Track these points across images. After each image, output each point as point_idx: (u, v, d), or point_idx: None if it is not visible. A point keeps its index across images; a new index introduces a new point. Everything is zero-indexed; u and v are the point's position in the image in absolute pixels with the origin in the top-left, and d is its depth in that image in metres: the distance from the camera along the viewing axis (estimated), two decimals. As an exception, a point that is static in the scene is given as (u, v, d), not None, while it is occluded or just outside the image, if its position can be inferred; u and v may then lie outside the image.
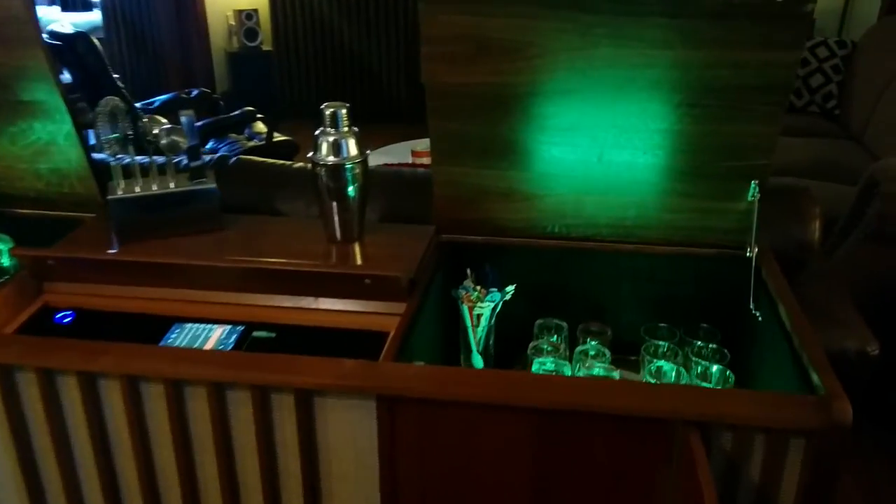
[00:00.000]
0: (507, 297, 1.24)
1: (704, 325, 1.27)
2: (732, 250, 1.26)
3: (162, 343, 1.13)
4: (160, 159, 1.29)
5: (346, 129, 1.23)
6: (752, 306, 1.18)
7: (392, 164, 3.06)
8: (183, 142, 1.26)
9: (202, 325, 1.17)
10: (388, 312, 1.17)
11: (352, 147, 1.23)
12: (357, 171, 1.23)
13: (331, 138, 1.22)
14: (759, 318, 1.16)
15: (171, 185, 1.29)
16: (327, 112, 1.22)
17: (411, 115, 5.08)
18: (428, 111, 1.19)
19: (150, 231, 1.28)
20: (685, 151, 1.19)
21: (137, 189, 1.27)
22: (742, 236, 1.25)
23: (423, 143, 3.28)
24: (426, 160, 3.16)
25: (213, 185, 1.30)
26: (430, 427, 0.98)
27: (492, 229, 1.31)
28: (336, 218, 1.26)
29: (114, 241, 1.27)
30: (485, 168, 1.25)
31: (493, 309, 1.23)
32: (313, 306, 1.19)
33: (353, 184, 1.24)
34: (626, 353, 1.28)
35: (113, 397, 1.04)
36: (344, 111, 1.22)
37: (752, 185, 1.20)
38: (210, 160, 1.54)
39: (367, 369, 0.98)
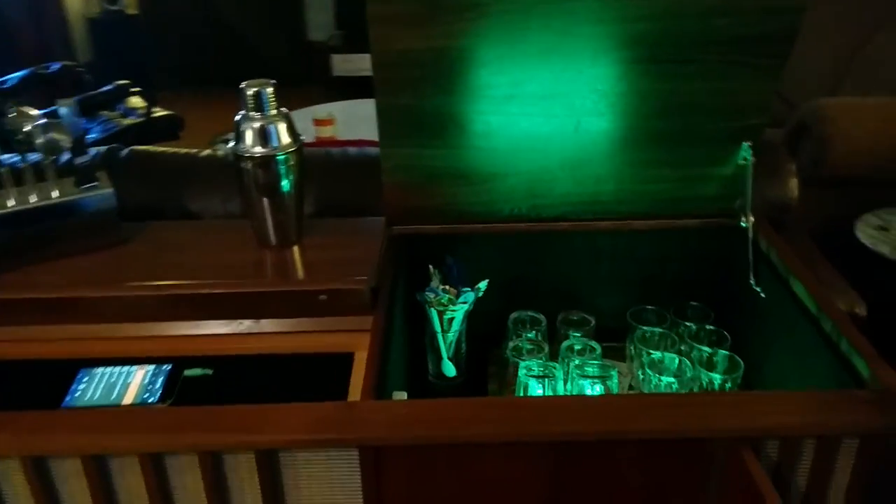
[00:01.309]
0: (480, 294, 1.07)
1: (694, 303, 1.15)
2: (719, 219, 1.14)
3: (69, 398, 0.90)
4: (32, 157, 1.03)
5: (273, 111, 1.01)
6: (752, 282, 1.06)
7: (311, 143, 2.80)
8: (65, 139, 1.02)
9: (117, 369, 0.94)
10: (349, 329, 0.97)
11: (283, 133, 1.01)
12: (292, 161, 1.02)
13: (256, 124, 1.00)
14: (763, 296, 1.05)
15: (55, 193, 1.03)
16: (249, 92, 1.00)
17: (294, 77, 4.76)
18: (375, 85, 0.99)
19: (33, 254, 1.03)
20: (673, 114, 1.04)
21: (11, 202, 1.02)
22: (728, 203, 1.13)
23: (322, 110, 3.03)
24: (330, 130, 2.92)
25: (109, 189, 1.06)
26: (425, 475, 0.81)
27: (451, 216, 1.14)
28: (270, 219, 1.05)
29: (-12, 271, 1.01)
30: (441, 148, 1.06)
31: (466, 311, 1.06)
32: (255, 331, 0.99)
33: (288, 177, 1.03)
34: (608, 339, 1.14)
35: (15, 479, 0.81)
36: (269, 90, 1.00)
37: (744, 147, 1.07)
38: (96, 155, 1.28)
39: (344, 414, 0.79)
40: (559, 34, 0.96)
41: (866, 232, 2.00)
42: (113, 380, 0.93)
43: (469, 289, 1.05)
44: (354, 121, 2.95)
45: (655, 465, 0.80)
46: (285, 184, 1.03)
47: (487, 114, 1.03)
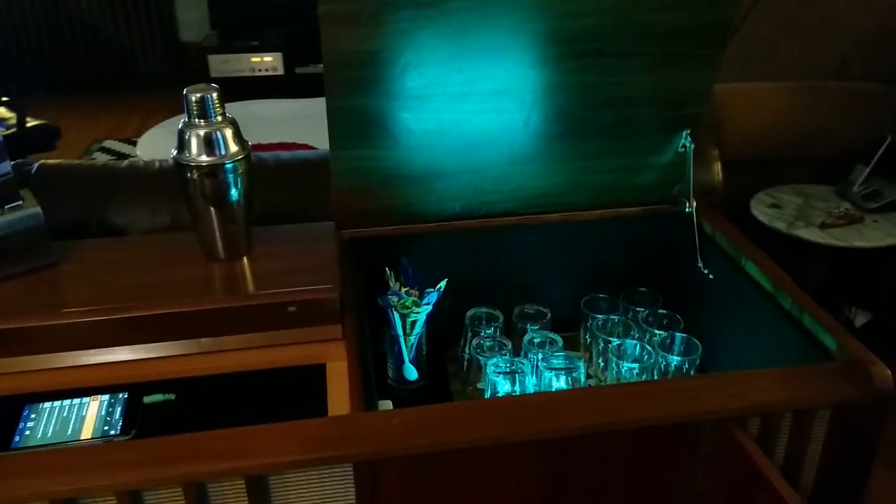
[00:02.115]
0: (440, 294, 1.06)
1: (643, 289, 1.18)
2: (661, 206, 1.18)
3: (18, 439, 0.82)
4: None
5: (219, 118, 0.96)
6: (700, 265, 1.10)
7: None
8: (-15, 156, 0.92)
9: (67, 402, 0.87)
10: (316, 340, 0.94)
11: (230, 140, 0.96)
12: (241, 169, 0.97)
13: (201, 132, 0.95)
14: (711, 277, 1.09)
15: (-25, 216, 0.94)
16: (193, 98, 0.94)
17: (168, 79, 4.56)
18: (326, 87, 0.96)
19: (-45, 283, 0.93)
20: (617, 106, 1.06)
21: (-76, 228, 0.92)
22: (668, 190, 1.17)
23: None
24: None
25: (36, 208, 0.97)
26: (418, 484, 0.79)
27: (401, 217, 1.12)
28: (218, 230, 1.00)
29: None
30: (393, 149, 1.04)
31: (429, 312, 1.05)
32: (215, 349, 0.93)
33: (237, 186, 0.98)
34: (560, 329, 1.15)
35: (-32, 535, 0.73)
36: (214, 95, 0.95)
37: (683, 135, 1.10)
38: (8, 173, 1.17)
39: (337, 430, 0.76)
40: (510, 31, 0.96)
41: (761, 210, 2.12)
42: (65, 414, 0.85)
43: (432, 289, 1.03)
44: (251, 123, 2.85)
45: (645, 452, 0.82)
46: (234, 193, 0.98)
47: (440, 112, 1.01)
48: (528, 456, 0.79)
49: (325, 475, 0.77)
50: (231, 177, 0.97)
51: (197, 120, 0.95)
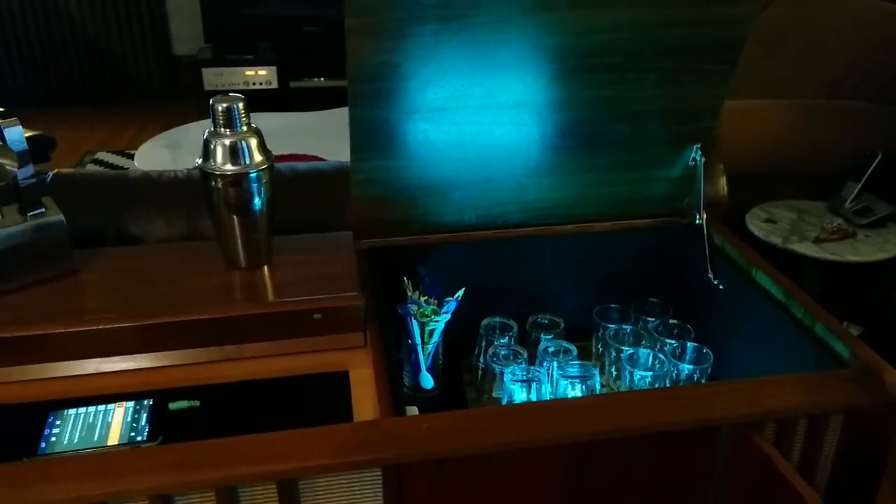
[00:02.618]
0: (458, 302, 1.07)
1: (653, 299, 1.20)
2: (671, 218, 1.20)
3: (44, 445, 0.83)
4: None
5: (244, 128, 0.97)
6: (710, 275, 1.12)
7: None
8: (12, 163, 0.93)
9: (92, 408, 0.87)
10: (338, 347, 0.95)
11: (255, 150, 0.98)
12: (264, 179, 0.99)
13: (227, 141, 0.96)
14: (721, 288, 1.11)
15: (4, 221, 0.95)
16: (219, 108, 0.95)
17: (162, 92, 4.57)
18: (349, 98, 0.97)
19: (-21, 289, 0.94)
20: (630, 119, 1.09)
21: (-49, 234, 0.92)
22: (678, 202, 1.19)
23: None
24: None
25: (59, 216, 0.98)
26: (445, 488, 0.80)
27: (419, 227, 1.13)
28: (240, 239, 1.01)
29: (-73, 312, 0.91)
30: (411, 160, 1.06)
31: (447, 321, 1.06)
32: (238, 356, 0.94)
33: (260, 196, 0.99)
34: (572, 339, 1.17)
35: (0, 539, 0.73)
36: (241, 105, 0.96)
37: (694, 149, 1.13)
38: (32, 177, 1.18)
39: (368, 435, 0.77)
40: (530, 46, 0.98)
41: (757, 224, 2.16)
42: (91, 421, 0.86)
43: (450, 298, 1.05)
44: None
45: (665, 456, 0.84)
46: (257, 202, 0.99)
47: (461, 124, 1.03)
48: (552, 460, 0.81)
49: (355, 479, 0.78)
50: (255, 186, 0.98)
51: (223, 129, 0.96)
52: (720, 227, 1.16)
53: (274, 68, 4.30)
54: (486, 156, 1.08)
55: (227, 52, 4.35)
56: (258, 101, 4.17)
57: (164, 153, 2.90)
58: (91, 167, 3.71)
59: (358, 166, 1.04)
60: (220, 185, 0.97)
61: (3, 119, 0.92)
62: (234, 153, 0.96)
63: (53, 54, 4.46)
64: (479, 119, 1.03)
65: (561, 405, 0.86)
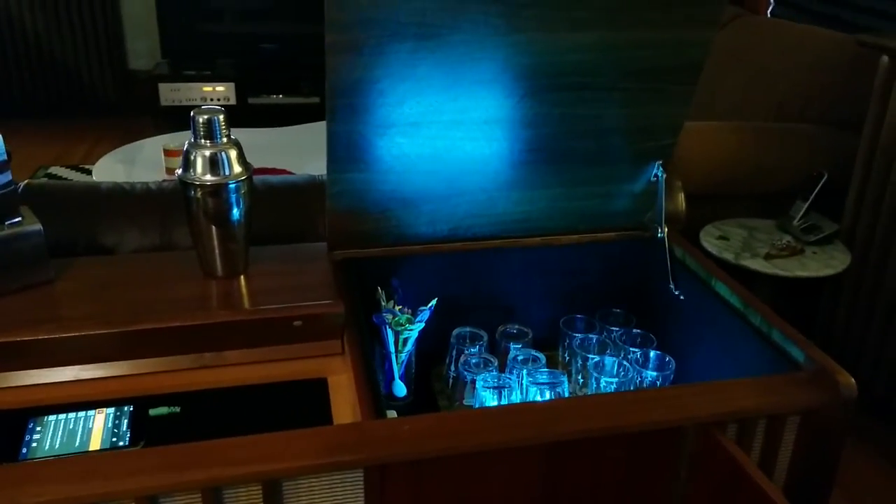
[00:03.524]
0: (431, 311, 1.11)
1: (617, 310, 1.24)
2: (633, 231, 1.25)
3: (25, 451, 0.83)
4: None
5: (224, 139, 0.99)
6: (672, 286, 1.17)
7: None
8: (-9, 172, 0.93)
9: (72, 415, 0.88)
10: (316, 355, 0.98)
11: (234, 161, 1.00)
12: (243, 190, 1.01)
13: (207, 152, 0.98)
14: (682, 298, 1.16)
15: (-24, 231, 0.95)
16: (200, 119, 0.97)
17: (117, 106, 4.52)
18: (327, 112, 1.00)
19: (-46, 297, 0.94)
20: (596, 136, 1.13)
21: (-75, 242, 0.92)
22: (638, 217, 1.25)
23: (174, 140, 2.90)
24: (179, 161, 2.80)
25: (37, 225, 0.99)
26: (425, 488, 0.83)
27: (391, 239, 1.16)
28: (217, 249, 1.03)
29: None
30: (386, 173, 1.09)
31: (420, 330, 1.09)
32: (217, 363, 0.96)
33: (238, 206, 1.01)
34: (539, 348, 1.21)
35: (-18, 544, 0.73)
36: (221, 118, 0.98)
37: (656, 165, 1.18)
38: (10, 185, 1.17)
39: (351, 436, 0.80)
40: (503, 64, 1.02)
41: (710, 241, 2.24)
42: (71, 426, 0.86)
43: (424, 307, 1.08)
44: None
45: (635, 456, 0.87)
46: (236, 212, 1.01)
47: (435, 138, 1.07)
48: (529, 460, 0.84)
49: (337, 480, 0.80)
50: (234, 196, 1.00)
51: (203, 140, 0.98)
52: (680, 241, 1.21)
53: (232, 84, 4.29)
54: (458, 170, 1.11)
55: (184, 67, 4.33)
56: (216, 117, 4.16)
57: (121, 168, 2.87)
58: (45, 181, 3.65)
59: (334, 178, 1.07)
60: (199, 195, 0.99)
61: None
62: (213, 164, 0.98)
63: (6, 66, 4.39)
64: (452, 134, 1.07)
65: (537, 407, 0.90)
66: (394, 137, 1.05)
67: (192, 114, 0.97)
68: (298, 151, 2.79)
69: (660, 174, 1.19)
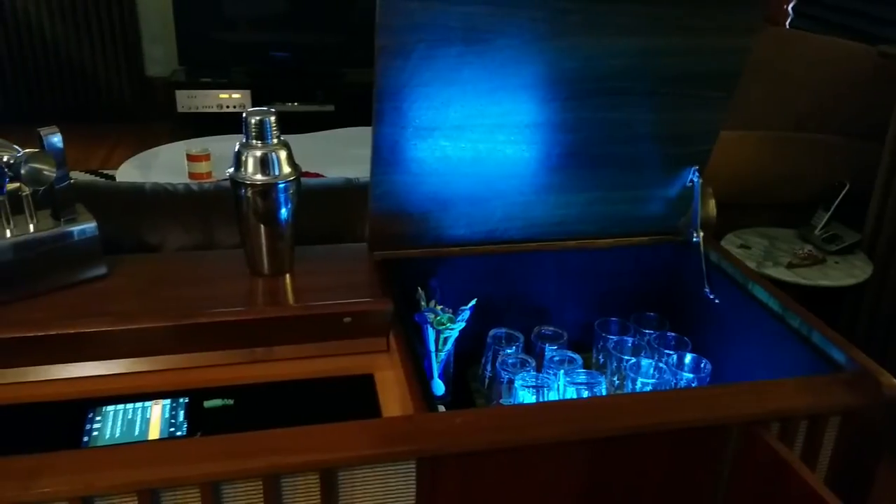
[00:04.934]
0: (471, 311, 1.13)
1: (650, 313, 1.26)
2: (666, 236, 1.27)
3: (86, 439, 0.85)
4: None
5: (275, 140, 1.02)
6: (707, 290, 1.19)
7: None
8: (50, 170, 0.96)
9: (130, 405, 0.90)
10: (362, 351, 1.00)
11: (283, 162, 1.02)
12: (291, 190, 1.03)
13: (258, 152, 1.00)
14: (717, 302, 1.18)
15: (40, 225, 0.98)
16: (252, 121, 1.00)
17: (134, 112, 4.57)
18: (374, 115, 1.02)
19: (12, 291, 0.96)
20: (632, 142, 1.16)
21: (7, 233, 0.95)
22: (672, 222, 1.27)
23: (195, 145, 2.94)
24: (205, 166, 2.83)
25: (93, 222, 1.01)
26: (474, 480, 0.85)
27: (430, 240, 1.18)
28: (265, 247, 1.05)
29: (-38, 312, 0.93)
30: (429, 175, 1.11)
31: (461, 329, 1.11)
32: (269, 358, 0.98)
33: (287, 206, 1.04)
34: (573, 350, 1.22)
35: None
36: (272, 119, 1.01)
37: (692, 171, 1.21)
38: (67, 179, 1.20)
39: (405, 428, 0.82)
40: (547, 68, 1.04)
41: (731, 250, 2.25)
42: (129, 417, 0.89)
43: (465, 307, 1.10)
44: (231, 156, 2.88)
45: (678, 454, 0.89)
46: (284, 212, 1.04)
47: (477, 142, 1.09)
48: (575, 454, 0.86)
49: (390, 471, 0.82)
50: (283, 196, 1.02)
51: (254, 141, 1.00)
52: (716, 245, 1.23)
53: (248, 92, 4.33)
54: (498, 173, 1.14)
55: (200, 74, 4.37)
56: (231, 124, 4.20)
57: (144, 172, 2.91)
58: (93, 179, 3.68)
59: (378, 180, 1.09)
60: (249, 194, 1.01)
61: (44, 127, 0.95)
62: (264, 164, 1.01)
63: (26, 72, 4.44)
64: (494, 137, 1.09)
65: (584, 404, 0.92)
66: (437, 140, 1.07)
67: (244, 115, 1.00)
68: (314, 159, 2.82)
69: (696, 179, 1.21)
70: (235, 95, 4.35)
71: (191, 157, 2.83)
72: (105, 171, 3.75)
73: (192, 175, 2.83)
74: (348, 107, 4.22)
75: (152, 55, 4.71)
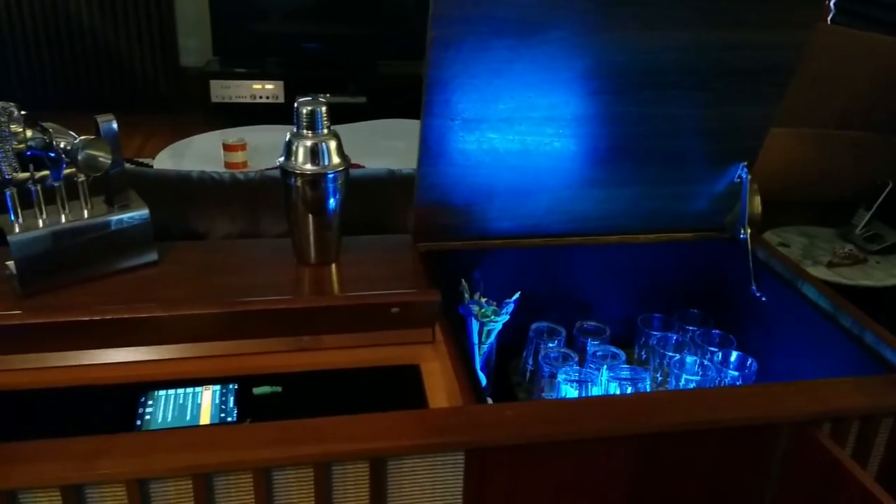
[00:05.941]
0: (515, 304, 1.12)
1: (694, 310, 1.25)
2: (712, 232, 1.26)
3: (139, 422, 0.87)
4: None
5: (325, 130, 1.02)
6: (754, 287, 1.18)
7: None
8: (105, 157, 0.97)
9: (181, 390, 0.91)
10: (409, 342, 1.00)
11: (333, 153, 1.03)
12: (340, 181, 1.04)
13: (308, 142, 1.01)
14: (763, 300, 1.17)
15: (85, 212, 0.99)
16: (303, 111, 1.00)
17: (168, 102, 4.61)
18: (424, 106, 1.02)
19: (66, 277, 0.97)
20: (679, 137, 1.15)
21: (41, 222, 0.96)
22: (717, 219, 1.25)
23: (232, 135, 2.96)
24: (241, 155, 2.85)
25: (145, 208, 1.03)
26: (522, 473, 0.85)
27: (474, 232, 1.18)
28: (312, 237, 1.05)
29: (18, 296, 0.95)
30: (475, 167, 1.11)
31: (504, 322, 1.11)
32: (316, 346, 0.99)
33: (335, 196, 1.04)
34: (615, 345, 1.21)
35: (105, 509, 0.76)
36: (323, 109, 1.01)
37: (740, 167, 1.19)
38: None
39: (455, 419, 0.82)
40: (597, 60, 1.04)
41: (769, 248, 2.22)
42: (181, 401, 0.90)
43: (509, 300, 1.10)
44: (265, 146, 2.91)
45: (727, 452, 0.88)
46: (332, 202, 1.04)
47: (525, 134, 1.09)
48: (623, 449, 0.85)
49: (439, 462, 0.82)
50: (332, 186, 1.03)
51: (305, 131, 1.01)
52: (764, 242, 1.22)
53: (281, 83, 4.35)
54: (543, 166, 1.13)
55: (234, 65, 4.40)
56: (265, 114, 4.23)
57: (180, 161, 2.94)
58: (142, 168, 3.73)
59: (425, 171, 1.09)
60: (299, 183, 1.02)
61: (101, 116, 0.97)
62: (314, 154, 1.01)
63: (63, 61, 4.50)
64: (542, 130, 1.09)
65: (633, 399, 0.91)
66: (485, 132, 1.07)
67: (295, 105, 1.01)
68: (349, 150, 2.82)
69: (744, 176, 1.19)
70: (269, 86, 4.37)
71: (227, 147, 2.85)
72: (140, 160, 3.79)
73: (228, 164, 2.85)
74: (380, 98, 4.23)
75: (187, 45, 4.75)
